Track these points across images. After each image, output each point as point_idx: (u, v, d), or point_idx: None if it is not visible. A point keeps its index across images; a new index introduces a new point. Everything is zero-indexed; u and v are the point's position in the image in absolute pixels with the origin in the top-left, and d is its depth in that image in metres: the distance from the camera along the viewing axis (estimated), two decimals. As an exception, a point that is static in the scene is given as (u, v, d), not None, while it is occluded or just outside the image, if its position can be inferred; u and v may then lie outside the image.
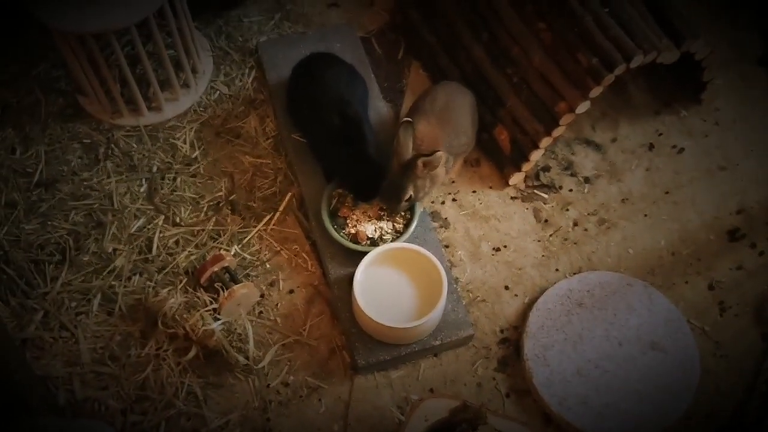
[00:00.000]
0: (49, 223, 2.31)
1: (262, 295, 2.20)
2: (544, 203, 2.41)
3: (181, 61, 2.53)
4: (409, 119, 2.14)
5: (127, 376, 2.05)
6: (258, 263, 2.26)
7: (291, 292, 2.22)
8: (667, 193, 2.44)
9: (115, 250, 2.26)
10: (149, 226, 2.31)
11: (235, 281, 2.13)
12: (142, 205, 2.36)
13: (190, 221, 2.33)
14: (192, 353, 2.05)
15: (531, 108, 2.33)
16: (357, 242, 2.17)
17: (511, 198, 2.42)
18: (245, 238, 2.30)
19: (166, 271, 2.21)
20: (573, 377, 2.03)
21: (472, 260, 2.29)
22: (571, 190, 2.44)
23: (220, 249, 2.25)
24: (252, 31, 2.80)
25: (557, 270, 2.27)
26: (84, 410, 1.99)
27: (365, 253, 2.08)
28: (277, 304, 2.20)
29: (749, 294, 2.23)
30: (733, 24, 2.86)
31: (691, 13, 2.40)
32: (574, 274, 2.25)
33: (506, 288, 2.24)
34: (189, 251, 2.25)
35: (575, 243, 2.33)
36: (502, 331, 2.16)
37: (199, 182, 2.42)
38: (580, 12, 2.23)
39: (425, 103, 2.26)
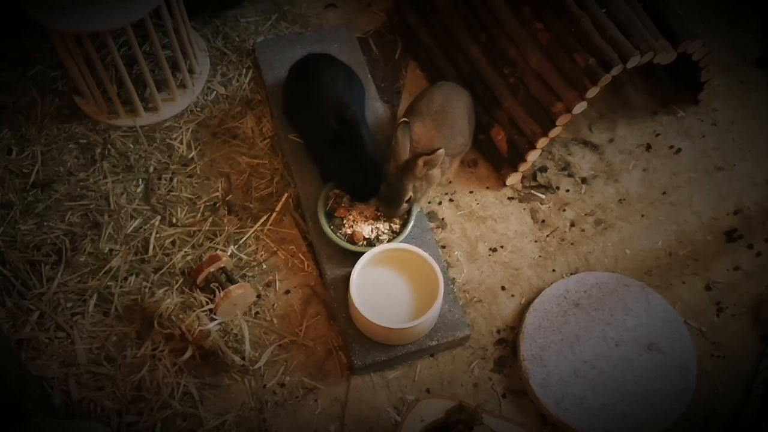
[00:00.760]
0: (45, 223, 2.31)
1: (258, 296, 2.20)
2: (541, 204, 2.41)
3: (178, 62, 2.53)
4: (406, 120, 2.13)
5: (123, 377, 2.04)
6: (254, 264, 2.26)
7: (287, 292, 2.22)
8: (664, 193, 2.44)
9: (111, 250, 2.25)
10: (146, 227, 2.31)
11: (232, 282, 2.13)
12: (138, 205, 2.36)
13: (186, 222, 2.33)
14: (188, 354, 2.05)
15: (528, 108, 2.33)
16: (354, 243, 2.17)
17: (508, 198, 2.42)
18: (242, 238, 2.30)
19: (162, 271, 2.21)
20: (570, 378, 2.03)
21: (469, 261, 2.29)
22: (568, 191, 2.44)
23: (216, 249, 2.24)
24: (249, 31, 2.80)
25: (554, 270, 2.27)
26: (80, 411, 1.99)
27: (362, 254, 2.08)
28: (273, 305, 2.19)
29: (746, 295, 2.23)
30: (731, 25, 2.86)
31: (689, 14, 2.41)
32: (571, 274, 2.25)
33: (503, 288, 2.24)
34: (185, 252, 2.25)
35: (572, 243, 2.33)
36: (498, 332, 2.16)
37: (196, 183, 2.42)
38: (577, 13, 2.23)
39: (422, 104, 2.25)
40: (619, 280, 2.20)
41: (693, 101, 2.62)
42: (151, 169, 2.44)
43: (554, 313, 2.14)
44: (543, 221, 2.37)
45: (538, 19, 2.31)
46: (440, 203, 2.40)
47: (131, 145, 2.50)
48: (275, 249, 2.29)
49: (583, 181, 2.46)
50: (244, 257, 2.26)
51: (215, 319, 2.06)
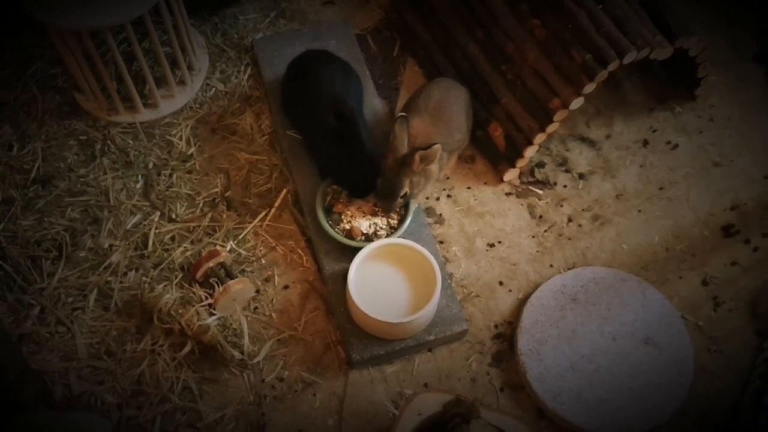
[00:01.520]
0: (45, 219, 2.32)
1: (257, 291, 2.21)
2: (539, 199, 2.42)
3: (177, 58, 2.54)
4: (404, 114, 2.14)
5: (122, 371, 2.06)
6: (253, 259, 2.27)
7: (286, 287, 2.23)
8: (661, 189, 2.45)
9: (111, 246, 2.27)
10: (145, 222, 2.32)
11: (231, 277, 2.14)
12: (138, 201, 2.37)
13: (185, 217, 2.34)
14: (187, 348, 2.06)
15: (525, 104, 2.34)
16: (352, 238, 2.18)
17: (506, 194, 2.43)
18: (241, 234, 2.31)
19: (161, 266, 2.22)
20: (567, 372, 2.04)
21: (467, 256, 2.30)
22: (565, 187, 2.45)
23: (215, 245, 2.25)
24: (248, 28, 2.81)
25: (551, 266, 2.28)
26: (80, 404, 2.00)
27: (360, 249, 2.09)
28: (272, 300, 2.21)
29: (743, 290, 2.24)
30: (728, 21, 2.86)
31: (686, 10, 2.41)
32: (568, 269, 2.26)
33: (500, 284, 2.25)
34: (185, 247, 2.26)
35: (569, 239, 2.34)
36: (496, 327, 2.17)
37: (195, 179, 2.43)
38: (574, 9, 2.24)
39: (420, 100, 2.26)
40: (616, 275, 2.21)
41: (690, 97, 2.62)
42: (151, 165, 2.45)
43: (551, 308, 2.15)
44: (540, 217, 2.38)
45: (535, 16, 2.32)
46: (438, 199, 2.41)
47: (131, 142, 2.51)
48: (274, 244, 2.30)
49: (581, 176, 2.47)
50: (243, 252, 2.27)
51: (214, 314, 2.07)
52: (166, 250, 2.26)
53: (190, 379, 2.05)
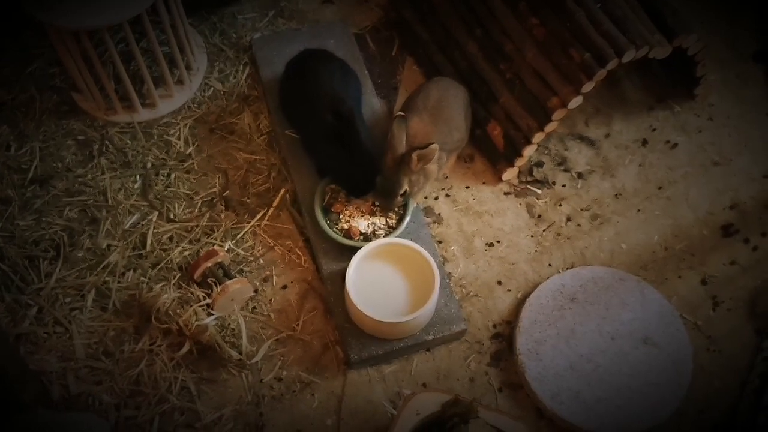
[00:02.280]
0: (43, 219, 2.32)
1: (255, 291, 2.20)
2: (537, 199, 2.41)
3: (175, 58, 2.53)
4: (402, 113, 2.14)
5: (120, 371, 2.06)
6: (251, 259, 2.27)
7: (284, 287, 2.23)
8: (660, 188, 2.44)
9: (109, 246, 2.26)
10: (143, 222, 2.32)
11: (229, 277, 2.14)
12: (136, 201, 2.37)
13: (184, 217, 2.34)
14: (185, 348, 2.06)
15: (524, 103, 2.33)
16: (350, 237, 2.17)
17: (505, 193, 2.43)
18: (239, 233, 2.30)
19: (159, 266, 2.22)
20: (565, 372, 2.03)
21: (465, 255, 2.29)
22: (564, 186, 2.44)
23: (213, 245, 2.25)
24: (246, 27, 2.81)
25: (550, 265, 2.28)
26: (78, 405, 2.00)
27: (358, 249, 2.09)
28: (270, 300, 2.20)
29: (742, 289, 2.24)
30: (728, 20, 2.86)
31: (686, 9, 2.40)
32: (567, 269, 2.26)
33: (499, 283, 2.25)
34: (183, 247, 2.26)
35: (568, 238, 2.33)
36: (494, 326, 2.17)
37: (193, 178, 2.43)
38: (572, 8, 2.24)
39: (418, 99, 2.26)
40: (614, 275, 2.21)
41: (689, 96, 2.62)
42: (149, 165, 2.45)
43: (550, 308, 2.14)
44: (539, 216, 2.38)
45: (534, 15, 2.32)
46: (436, 198, 2.41)
47: (129, 141, 2.51)
48: (272, 244, 2.30)
49: (579, 176, 2.47)
50: (241, 252, 2.27)
51: (212, 314, 2.07)
52: (164, 250, 2.26)
53: (188, 379, 2.05)
